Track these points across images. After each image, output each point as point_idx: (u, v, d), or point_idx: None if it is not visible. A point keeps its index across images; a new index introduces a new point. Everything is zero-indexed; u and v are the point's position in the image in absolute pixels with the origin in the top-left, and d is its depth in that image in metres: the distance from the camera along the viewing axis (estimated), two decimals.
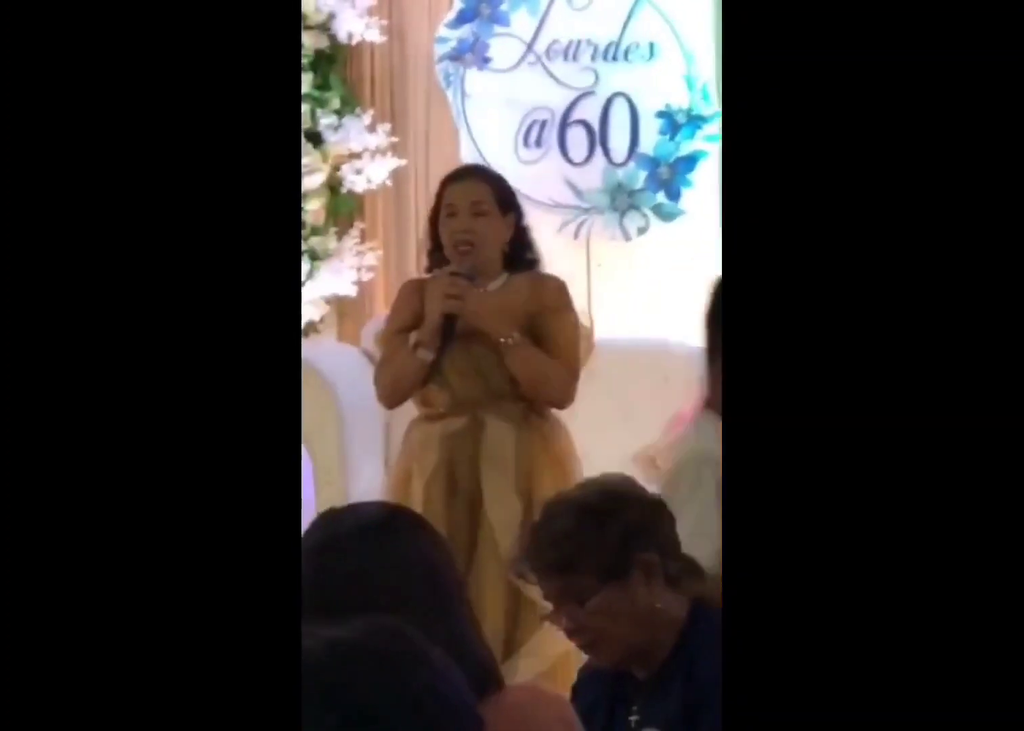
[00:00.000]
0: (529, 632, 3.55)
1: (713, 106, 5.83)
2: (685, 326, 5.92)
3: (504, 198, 3.70)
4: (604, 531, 2.40)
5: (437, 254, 3.72)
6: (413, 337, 3.63)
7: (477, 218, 3.63)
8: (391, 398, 3.72)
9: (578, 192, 5.92)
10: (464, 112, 5.98)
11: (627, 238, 5.94)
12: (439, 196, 3.71)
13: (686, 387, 5.54)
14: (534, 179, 5.90)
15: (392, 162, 5.83)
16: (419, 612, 1.82)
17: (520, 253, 3.73)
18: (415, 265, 6.04)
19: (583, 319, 3.79)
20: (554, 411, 3.75)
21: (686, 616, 2.45)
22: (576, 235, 5.92)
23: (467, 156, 5.96)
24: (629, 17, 5.84)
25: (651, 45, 5.84)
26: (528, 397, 3.66)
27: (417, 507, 3.54)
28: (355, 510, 2.05)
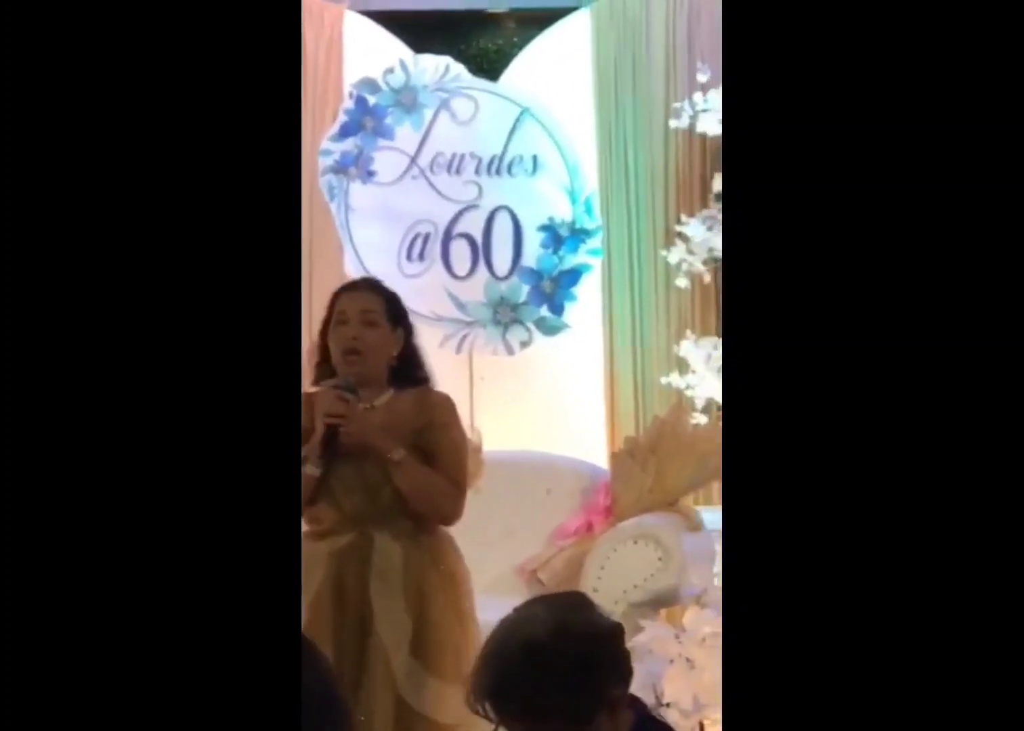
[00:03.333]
0: None
1: (596, 220, 5.87)
2: (568, 440, 5.94)
3: (395, 313, 3.67)
4: (567, 680, 2.35)
5: (324, 366, 3.69)
6: (303, 452, 3.58)
7: (366, 328, 3.60)
8: None
9: (461, 305, 5.92)
10: (348, 225, 5.97)
11: (510, 352, 5.94)
12: (331, 306, 3.68)
13: (569, 500, 5.57)
14: (417, 292, 5.89)
15: None
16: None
17: (408, 370, 3.71)
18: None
19: (471, 435, 3.77)
20: (444, 527, 3.70)
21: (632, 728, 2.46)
22: (459, 349, 5.91)
23: (351, 268, 5.95)
24: (512, 131, 5.88)
25: (534, 158, 5.88)
26: (416, 513, 3.62)
27: (303, 624, 3.47)
28: None
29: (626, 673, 2.45)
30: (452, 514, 3.63)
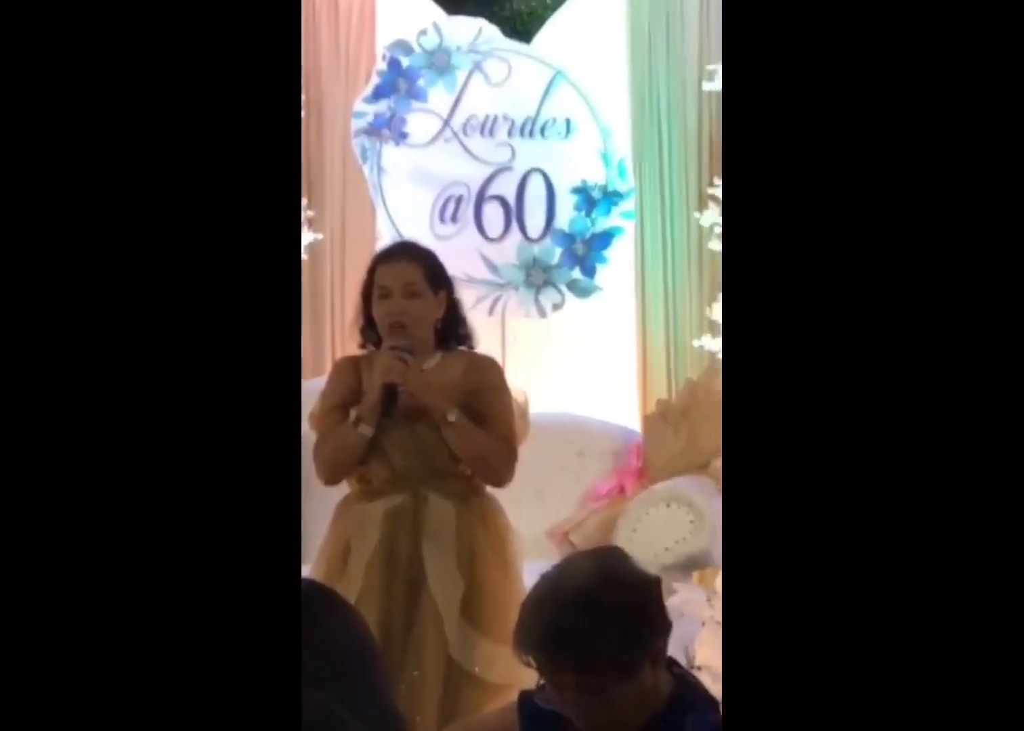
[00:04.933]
0: (469, 705, 3.52)
1: (629, 182, 5.87)
2: (600, 402, 5.95)
3: (435, 276, 3.68)
4: (616, 628, 2.37)
5: (369, 331, 3.71)
6: (353, 413, 3.60)
7: (410, 299, 3.61)
8: (331, 475, 3.67)
9: (494, 268, 5.93)
10: (380, 187, 5.97)
11: (542, 314, 5.95)
12: (370, 275, 3.69)
13: (600, 462, 5.58)
14: (450, 254, 5.82)
15: (308, 236, 5.82)
16: (343, 689, 1.85)
17: (452, 330, 3.73)
18: (330, 338, 6.04)
19: (519, 397, 3.79)
20: (489, 488, 3.73)
21: (672, 688, 2.49)
22: (491, 311, 5.92)
23: (384, 231, 5.97)
24: (546, 93, 5.87)
25: (567, 121, 5.88)
26: (470, 474, 3.65)
27: (355, 585, 3.52)
28: None
29: (667, 626, 2.48)
30: (505, 475, 3.67)
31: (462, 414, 3.58)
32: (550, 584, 2.45)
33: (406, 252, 3.77)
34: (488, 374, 3.70)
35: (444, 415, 3.56)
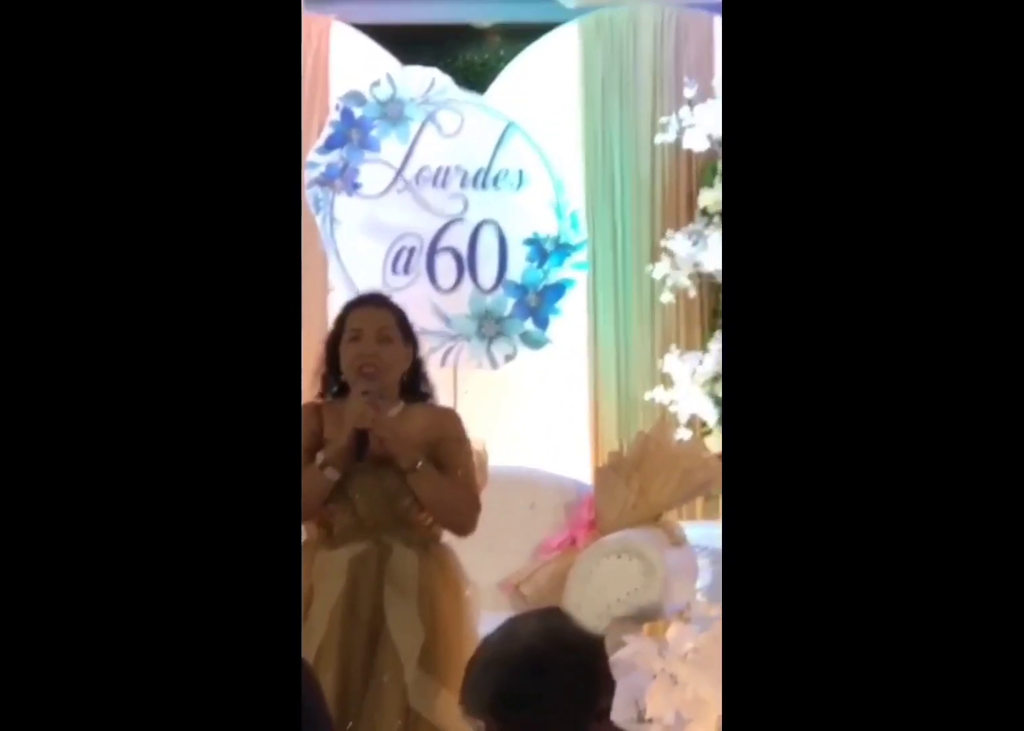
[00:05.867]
0: None
1: (581, 234, 5.87)
2: (552, 454, 5.93)
3: (406, 328, 3.74)
4: (564, 689, 2.36)
5: (331, 378, 3.72)
6: (320, 457, 3.59)
7: (382, 344, 3.64)
8: None
9: (446, 319, 5.91)
10: (333, 237, 5.96)
11: (494, 366, 5.93)
12: (341, 321, 3.71)
13: (553, 515, 5.56)
14: (402, 306, 5.88)
15: None
16: None
17: (416, 384, 3.76)
18: None
19: (478, 447, 3.82)
20: (445, 538, 3.73)
21: None
22: (443, 362, 5.90)
23: (336, 281, 5.95)
24: (498, 145, 5.88)
25: (520, 173, 5.88)
26: (430, 523, 3.65)
27: (318, 633, 3.50)
28: None
29: (611, 685, 2.46)
30: (469, 524, 3.69)
31: (428, 463, 3.59)
32: (496, 646, 2.43)
33: (381, 300, 3.82)
34: (450, 425, 3.73)
35: (413, 462, 3.56)
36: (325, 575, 3.59)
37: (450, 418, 3.75)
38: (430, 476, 3.60)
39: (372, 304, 3.77)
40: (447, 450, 3.67)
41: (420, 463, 3.58)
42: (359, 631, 3.55)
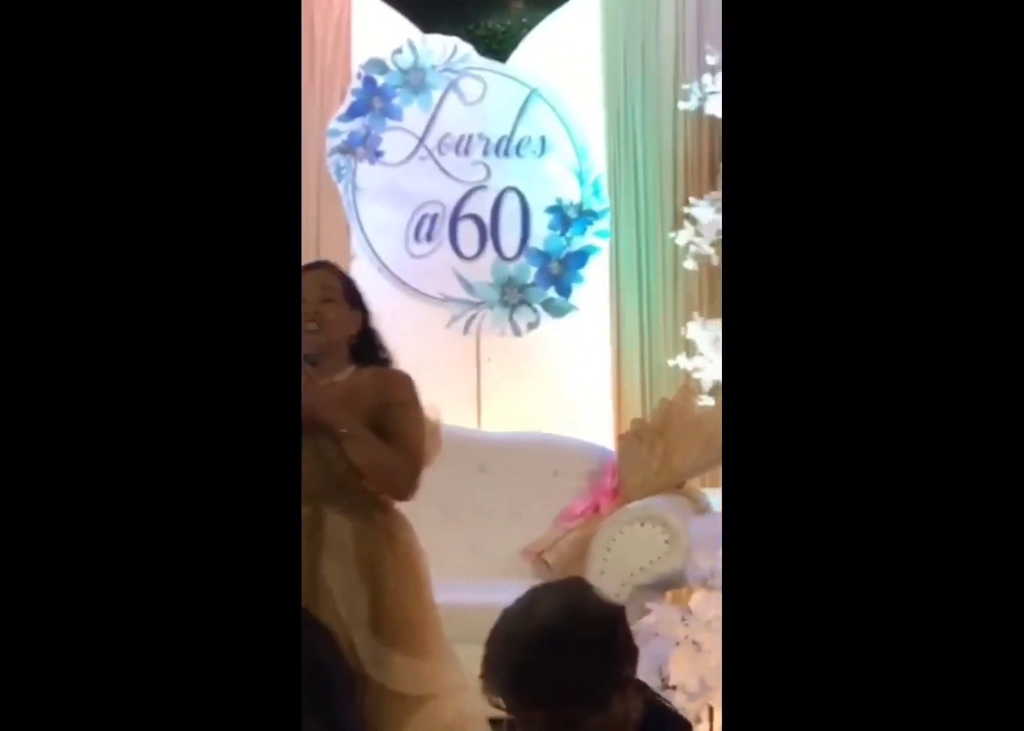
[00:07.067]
0: (390, 720, 3.51)
1: (604, 201, 5.86)
2: (575, 421, 5.93)
3: (352, 293, 3.74)
4: (585, 663, 2.35)
5: None
6: None
7: (324, 303, 3.64)
8: None
9: (468, 286, 5.91)
10: (355, 205, 5.96)
11: (517, 333, 5.93)
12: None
13: (576, 482, 5.57)
14: (424, 273, 5.90)
15: None
16: (318, 708, 1.86)
17: (370, 349, 3.73)
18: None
19: (431, 413, 3.77)
20: (397, 505, 3.72)
21: (643, 714, 2.46)
22: (466, 330, 5.91)
23: (358, 249, 5.95)
24: (521, 112, 5.87)
25: (542, 140, 5.88)
26: (369, 489, 3.64)
27: None
28: None
29: (635, 653, 2.46)
30: (406, 489, 3.64)
31: (363, 427, 3.57)
32: (515, 621, 2.42)
33: (323, 263, 3.84)
34: (398, 388, 3.69)
35: (342, 428, 3.55)
36: None
37: (398, 381, 3.70)
38: (364, 440, 3.56)
39: (317, 268, 3.77)
40: (392, 414, 3.63)
41: (350, 427, 3.58)
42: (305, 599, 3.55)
